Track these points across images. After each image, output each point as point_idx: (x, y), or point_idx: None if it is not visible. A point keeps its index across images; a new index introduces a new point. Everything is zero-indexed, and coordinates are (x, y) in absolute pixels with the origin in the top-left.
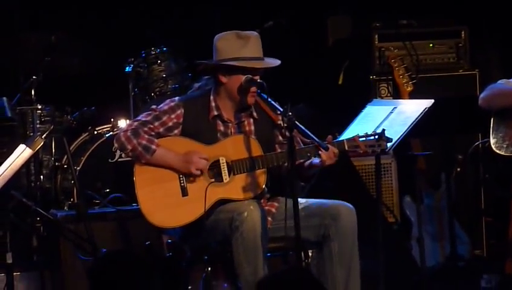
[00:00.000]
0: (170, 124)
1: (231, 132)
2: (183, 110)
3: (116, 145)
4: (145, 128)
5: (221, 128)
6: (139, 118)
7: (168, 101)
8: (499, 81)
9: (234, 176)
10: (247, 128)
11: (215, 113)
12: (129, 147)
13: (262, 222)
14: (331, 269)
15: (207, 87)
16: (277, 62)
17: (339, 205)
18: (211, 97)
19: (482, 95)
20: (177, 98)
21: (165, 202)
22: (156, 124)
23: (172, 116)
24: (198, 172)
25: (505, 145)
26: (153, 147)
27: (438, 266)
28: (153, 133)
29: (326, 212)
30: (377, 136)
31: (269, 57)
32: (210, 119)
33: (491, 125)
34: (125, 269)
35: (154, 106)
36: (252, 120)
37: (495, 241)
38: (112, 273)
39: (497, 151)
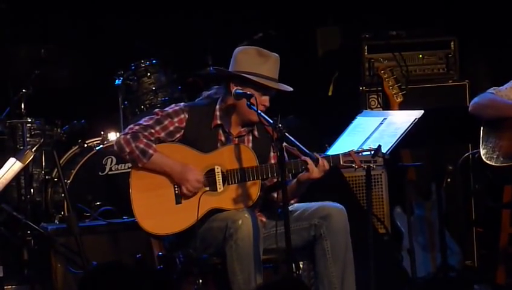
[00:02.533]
0: (171, 128)
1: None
2: (187, 116)
3: (115, 147)
4: (146, 133)
5: (222, 138)
6: (140, 122)
7: (173, 105)
8: (489, 90)
9: (228, 186)
10: (245, 144)
11: (219, 122)
12: (127, 149)
13: (256, 230)
14: (326, 266)
15: (215, 96)
16: (290, 89)
17: (327, 206)
18: (217, 106)
19: (472, 102)
20: (182, 103)
21: (159, 208)
22: (157, 128)
23: (175, 120)
24: (190, 194)
25: (495, 156)
26: (150, 151)
27: (429, 277)
28: (152, 138)
29: (315, 213)
30: (373, 152)
31: None
32: (212, 127)
33: (481, 135)
34: (116, 282)
35: (157, 110)
36: (251, 137)
37: (486, 251)
38: (103, 287)
39: (487, 161)
